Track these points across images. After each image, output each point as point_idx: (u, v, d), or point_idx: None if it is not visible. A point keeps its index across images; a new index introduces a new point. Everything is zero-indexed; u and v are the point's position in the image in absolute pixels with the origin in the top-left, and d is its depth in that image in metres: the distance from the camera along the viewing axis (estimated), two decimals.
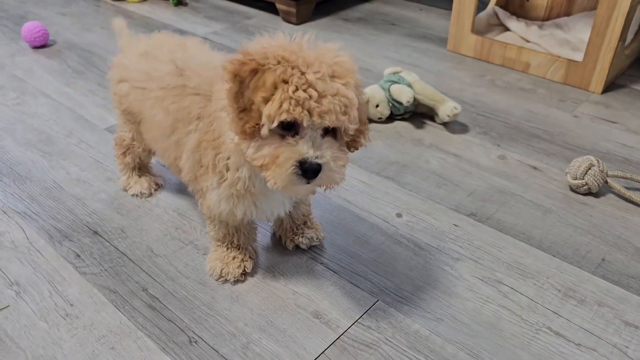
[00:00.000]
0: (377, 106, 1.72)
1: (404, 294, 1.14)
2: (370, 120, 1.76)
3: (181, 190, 1.44)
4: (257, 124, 0.83)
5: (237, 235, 1.16)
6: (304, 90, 0.80)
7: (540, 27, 2.30)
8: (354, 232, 1.31)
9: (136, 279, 1.18)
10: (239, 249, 1.17)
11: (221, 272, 1.15)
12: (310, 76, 0.80)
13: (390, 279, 1.18)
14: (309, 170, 0.83)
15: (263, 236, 1.30)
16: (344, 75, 0.84)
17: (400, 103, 1.71)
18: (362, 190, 1.45)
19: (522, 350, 1.02)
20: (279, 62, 0.82)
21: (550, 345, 1.03)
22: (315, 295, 1.14)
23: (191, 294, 1.14)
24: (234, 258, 1.16)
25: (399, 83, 1.73)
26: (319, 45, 0.86)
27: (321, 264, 1.22)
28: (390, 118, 1.78)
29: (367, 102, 1.72)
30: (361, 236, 1.30)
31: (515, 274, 1.19)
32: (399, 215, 1.36)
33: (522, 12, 2.43)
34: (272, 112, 0.81)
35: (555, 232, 1.30)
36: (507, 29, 2.36)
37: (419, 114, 1.80)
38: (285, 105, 0.80)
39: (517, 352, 1.02)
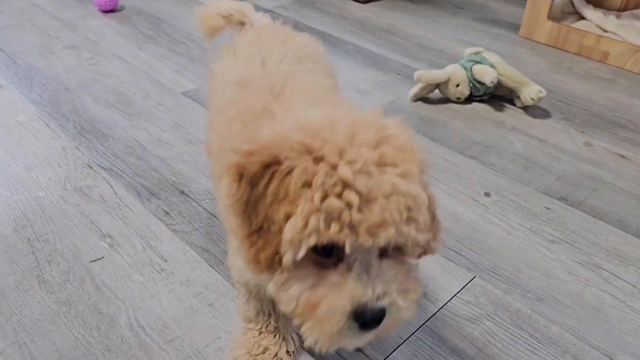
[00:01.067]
0: (457, 85, 1.68)
1: (500, 272, 1.11)
2: (448, 100, 1.73)
3: None
4: (277, 252, 0.56)
5: (274, 316, 0.87)
6: (338, 196, 0.53)
7: (617, 17, 2.23)
8: (444, 209, 1.28)
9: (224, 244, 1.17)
10: (275, 335, 0.89)
11: None
12: (345, 170, 0.53)
13: (485, 257, 1.15)
14: (370, 322, 0.57)
15: None
16: (400, 160, 0.56)
17: (481, 83, 1.67)
18: (448, 168, 1.42)
19: (631, 337, 0.99)
20: (305, 152, 0.55)
21: None
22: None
23: None
24: (265, 351, 0.88)
25: (481, 63, 1.68)
26: (352, 114, 0.60)
27: None
28: (469, 99, 1.74)
29: (448, 80, 1.68)
30: (451, 213, 1.27)
31: (614, 260, 1.15)
32: (487, 194, 1.33)
33: (597, 1, 2.36)
34: (294, 235, 0.54)
35: None
36: (582, 17, 2.29)
37: (497, 96, 1.75)
38: (312, 223, 0.53)
39: (626, 339, 0.98)
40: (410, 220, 0.55)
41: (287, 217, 0.54)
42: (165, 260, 1.11)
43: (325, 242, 0.53)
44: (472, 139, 1.55)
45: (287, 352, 0.89)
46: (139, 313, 1.00)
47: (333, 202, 0.52)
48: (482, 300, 1.05)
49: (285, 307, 0.59)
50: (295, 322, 0.59)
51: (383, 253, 0.58)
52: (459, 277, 1.10)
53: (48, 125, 1.53)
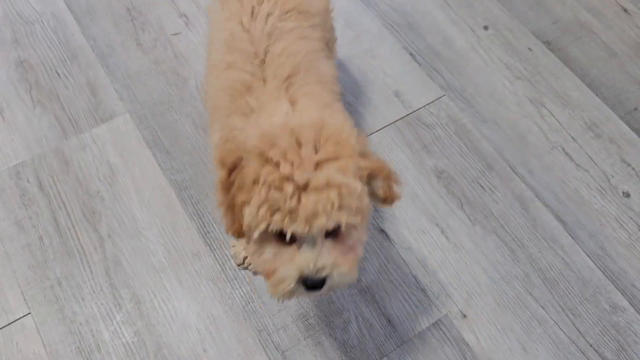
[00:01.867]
0: None
1: (465, 95, 1.48)
2: None
3: None
4: (242, 227, 0.74)
5: None
6: (279, 189, 0.67)
7: None
8: (443, 33, 1.58)
9: None
10: None
11: (243, 261, 1.16)
12: (285, 168, 0.67)
13: (459, 80, 1.51)
14: (311, 287, 0.73)
15: None
16: (338, 154, 0.69)
17: None
18: None
19: (535, 158, 1.40)
20: (259, 154, 0.70)
21: (557, 160, 1.40)
22: (400, 78, 1.50)
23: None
24: None
25: None
26: (306, 116, 0.75)
27: (410, 54, 1.54)
28: None
29: None
30: (448, 39, 1.58)
31: (558, 102, 1.49)
32: (485, 27, 1.61)
33: None
34: (249, 221, 0.71)
35: (609, 75, 1.54)
36: None
37: None
38: (261, 212, 0.68)
39: (530, 159, 1.40)
40: (341, 208, 0.68)
41: (244, 204, 0.71)
42: None
43: (274, 228, 0.69)
44: None
45: None
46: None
47: (274, 194, 0.66)
48: (442, 113, 1.45)
49: (254, 267, 0.82)
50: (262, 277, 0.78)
51: (329, 233, 0.72)
52: (432, 92, 1.48)
53: None
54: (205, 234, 1.24)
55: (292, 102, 0.82)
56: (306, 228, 0.67)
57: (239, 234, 0.75)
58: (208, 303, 1.17)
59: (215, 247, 1.22)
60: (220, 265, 1.20)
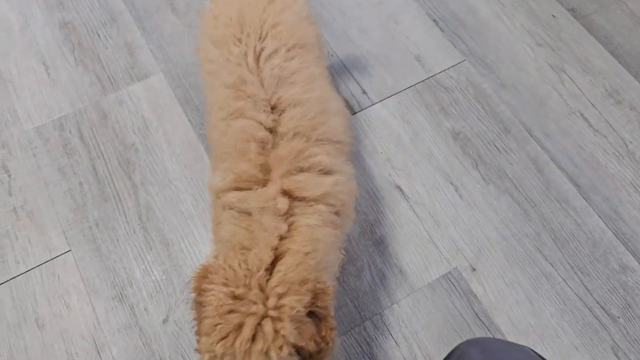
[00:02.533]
0: None
1: (486, 61, 1.51)
2: None
3: None
4: None
5: None
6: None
7: None
8: (467, 1, 1.61)
9: None
10: None
11: None
12: (219, 349, 0.69)
13: (481, 46, 1.54)
14: None
15: None
16: (270, 347, 0.69)
17: None
18: None
19: (553, 122, 1.43)
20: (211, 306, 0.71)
21: (575, 125, 1.42)
22: (422, 43, 1.54)
23: (332, 18, 1.57)
24: None
25: None
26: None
27: (433, 20, 1.58)
28: None
29: None
30: (472, 6, 1.61)
31: (580, 68, 1.51)
32: None
33: None
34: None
35: (633, 42, 1.54)
36: None
37: None
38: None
39: (548, 123, 1.42)
40: None
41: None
42: None
43: None
44: None
45: None
46: None
47: None
48: (461, 77, 1.49)
49: None
50: None
51: None
52: (454, 57, 1.52)
53: None
54: None
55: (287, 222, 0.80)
56: None
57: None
58: None
59: None
60: None
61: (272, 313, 0.70)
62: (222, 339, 0.68)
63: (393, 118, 1.42)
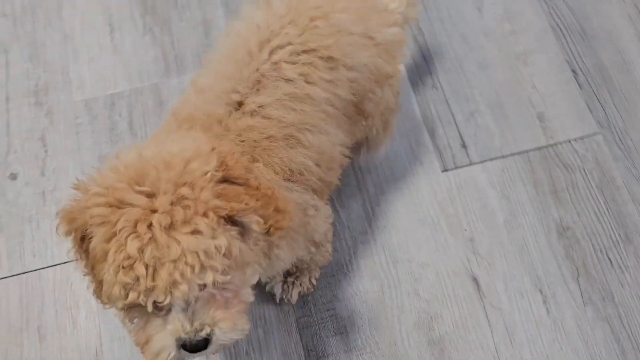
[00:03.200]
0: None
1: (625, 141, 1.20)
2: None
3: None
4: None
5: None
6: (129, 269, 0.58)
7: None
8: (622, 54, 1.28)
9: None
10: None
11: None
12: (132, 246, 0.57)
13: (624, 120, 1.22)
14: (195, 350, 0.64)
15: None
16: (192, 218, 0.59)
17: None
18: None
19: None
20: (103, 223, 0.60)
21: None
22: (550, 98, 1.24)
23: (450, 44, 1.29)
24: None
25: None
26: (172, 162, 0.62)
27: (572, 71, 1.27)
28: None
29: None
30: (628, 63, 1.28)
31: None
32: None
33: None
34: (106, 300, 0.62)
35: None
36: None
37: None
38: (116, 291, 0.59)
39: None
40: (204, 269, 0.59)
41: (99, 276, 0.61)
42: None
43: (130, 304, 0.60)
44: None
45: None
46: None
47: (124, 278, 0.58)
48: (588, 155, 1.19)
49: (133, 339, 0.67)
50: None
51: (203, 288, 0.62)
52: (585, 126, 1.22)
53: None
54: None
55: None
56: (167, 299, 0.59)
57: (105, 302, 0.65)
58: None
59: None
60: None
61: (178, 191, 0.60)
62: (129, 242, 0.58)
63: (491, 188, 1.16)
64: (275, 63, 0.78)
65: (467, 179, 1.17)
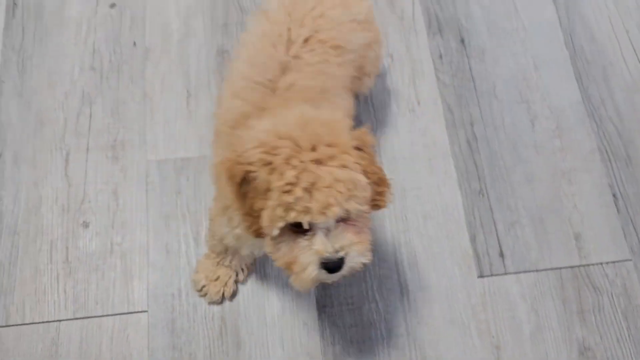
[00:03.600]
0: None
1: None
2: None
3: None
4: (261, 228, 0.80)
5: (231, 257, 1.17)
6: (289, 193, 0.73)
7: None
8: None
9: (471, 110, 1.40)
10: (228, 268, 1.19)
11: (202, 288, 1.20)
12: (289, 174, 0.73)
13: None
14: (333, 269, 0.79)
15: None
16: (338, 155, 0.75)
17: None
18: None
19: None
20: (264, 164, 0.76)
21: None
22: (588, 219, 1.31)
23: (500, 152, 1.37)
24: (217, 278, 1.19)
25: None
26: (309, 121, 0.78)
27: (613, 195, 1.34)
28: None
29: None
30: None
31: None
32: None
33: None
34: (268, 222, 0.77)
35: None
36: None
37: None
38: (278, 212, 0.74)
39: None
40: (350, 198, 0.74)
41: (261, 209, 0.78)
42: (419, 103, 1.41)
43: (291, 222, 0.75)
44: None
45: (235, 281, 1.21)
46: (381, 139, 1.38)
47: (286, 198, 0.73)
48: (618, 280, 1.26)
49: (277, 262, 0.83)
50: (286, 274, 0.84)
51: (338, 220, 0.78)
52: (619, 250, 1.29)
53: None
54: None
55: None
56: (321, 218, 0.73)
57: (258, 234, 0.81)
58: None
59: None
60: None
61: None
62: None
63: (522, 300, 1.24)
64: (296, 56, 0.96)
65: (501, 288, 1.25)
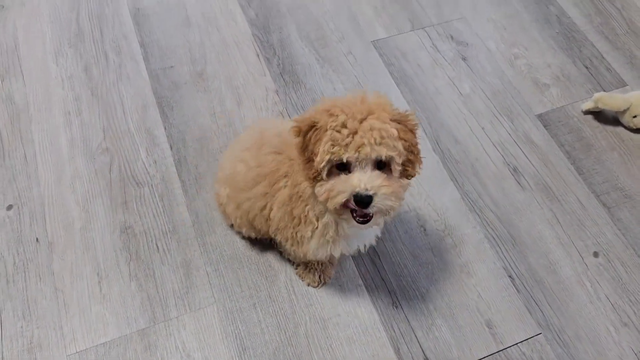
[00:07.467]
0: (634, 117, 1.67)
1: (563, 337, 1.38)
2: (620, 124, 1.73)
3: None
4: (316, 171, 1.01)
5: (314, 267, 1.40)
6: (338, 132, 0.97)
7: None
8: (548, 256, 1.50)
9: None
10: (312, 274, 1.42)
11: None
12: (342, 118, 0.97)
13: (559, 318, 1.41)
14: (361, 201, 0.98)
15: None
16: (376, 111, 0.98)
17: None
18: (574, 211, 1.57)
19: None
20: (325, 115, 0.99)
21: None
22: (494, 305, 1.42)
23: (402, 263, 1.48)
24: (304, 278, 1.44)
25: None
26: (365, 97, 1.01)
27: (509, 277, 1.47)
28: None
29: (627, 109, 1.67)
30: (553, 263, 1.49)
31: None
32: (595, 254, 1.50)
33: None
34: (320, 159, 0.99)
35: None
36: None
37: None
38: (327, 147, 0.97)
39: None
40: (382, 144, 0.96)
41: (316, 153, 0.99)
42: None
43: (335, 159, 0.98)
44: (617, 183, 1.63)
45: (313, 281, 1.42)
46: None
47: (335, 135, 0.97)
48: (535, 356, 1.36)
49: (321, 198, 1.03)
50: (322, 204, 1.06)
51: (377, 168, 1.00)
52: (528, 329, 1.39)
53: (258, 55, 1.84)
54: None
55: None
56: (355, 154, 0.96)
57: (314, 179, 1.03)
58: None
59: None
60: None
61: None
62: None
63: None
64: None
65: None
